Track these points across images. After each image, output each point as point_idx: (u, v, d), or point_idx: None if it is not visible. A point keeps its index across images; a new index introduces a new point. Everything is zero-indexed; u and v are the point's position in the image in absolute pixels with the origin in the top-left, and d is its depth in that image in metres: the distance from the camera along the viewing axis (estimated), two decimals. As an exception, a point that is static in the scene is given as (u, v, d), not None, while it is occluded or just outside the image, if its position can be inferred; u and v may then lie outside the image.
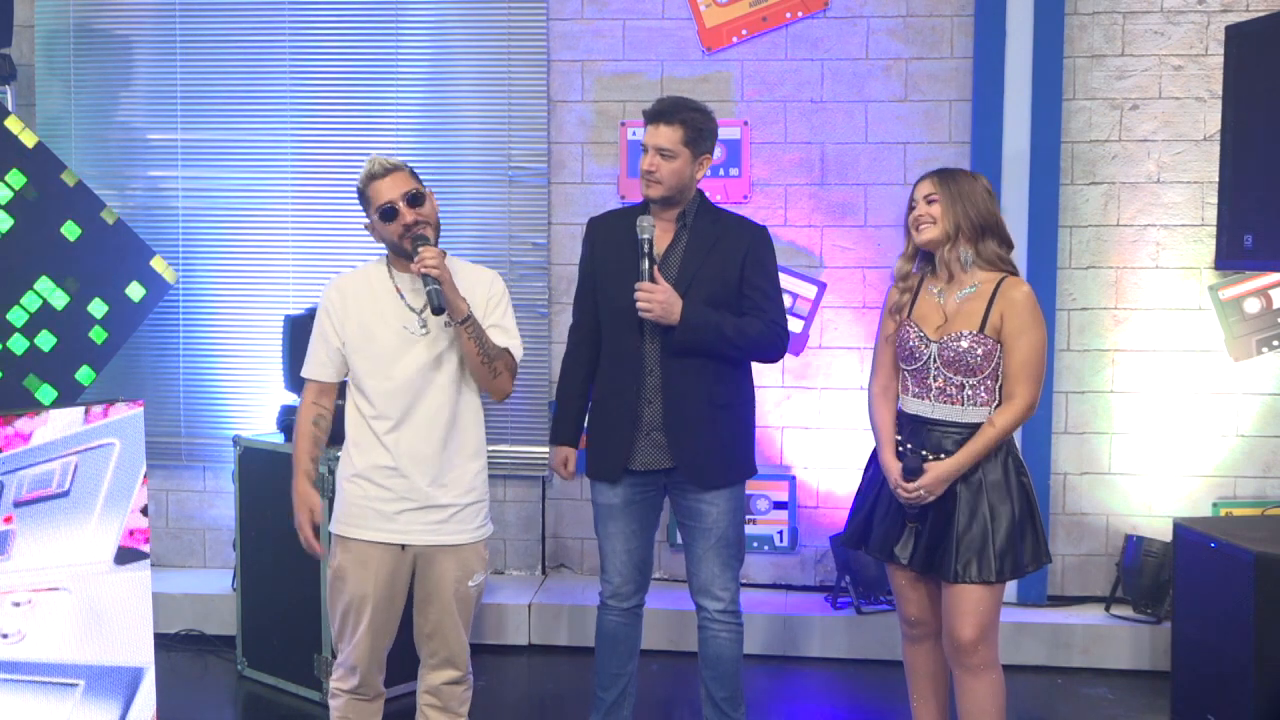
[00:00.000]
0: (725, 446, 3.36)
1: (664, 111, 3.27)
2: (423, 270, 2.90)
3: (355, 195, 3.07)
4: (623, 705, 3.51)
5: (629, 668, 3.50)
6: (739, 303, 3.31)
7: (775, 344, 3.36)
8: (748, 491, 4.87)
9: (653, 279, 3.21)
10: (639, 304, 3.19)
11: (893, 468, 3.12)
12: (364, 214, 3.06)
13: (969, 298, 3.09)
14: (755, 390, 3.47)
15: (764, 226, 3.44)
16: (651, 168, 3.25)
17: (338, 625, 3.05)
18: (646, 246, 3.21)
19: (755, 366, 3.44)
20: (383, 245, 3.07)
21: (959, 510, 3.03)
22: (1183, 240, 4.73)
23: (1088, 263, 4.76)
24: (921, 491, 3.04)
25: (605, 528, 3.42)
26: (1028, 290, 3.07)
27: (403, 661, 3.31)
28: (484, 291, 3.08)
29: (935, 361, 3.09)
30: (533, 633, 4.75)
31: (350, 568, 3.00)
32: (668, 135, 3.24)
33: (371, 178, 2.99)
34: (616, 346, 3.36)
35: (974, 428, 3.06)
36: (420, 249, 2.92)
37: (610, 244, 3.38)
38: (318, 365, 3.09)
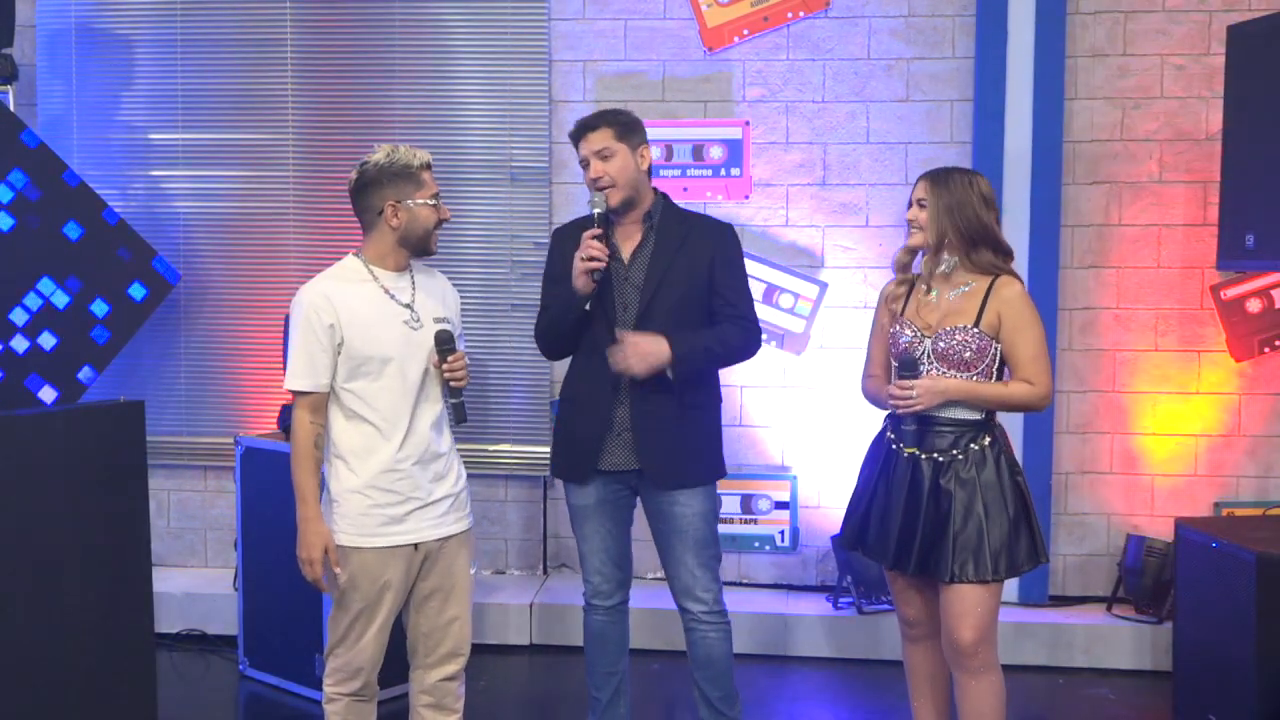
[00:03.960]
0: (693, 447, 3.34)
1: (587, 123, 3.31)
2: (453, 384, 2.97)
3: (380, 174, 2.97)
4: (618, 703, 3.51)
5: (620, 665, 3.51)
6: (710, 302, 3.32)
7: (752, 344, 3.39)
8: (749, 492, 4.90)
9: (614, 338, 3.22)
10: (617, 367, 3.17)
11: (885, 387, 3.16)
12: (388, 197, 2.95)
13: (962, 295, 3.10)
14: (723, 390, 3.48)
15: (729, 224, 3.46)
16: (598, 173, 3.26)
17: (341, 631, 3.00)
18: (597, 276, 3.21)
19: (738, 367, 3.45)
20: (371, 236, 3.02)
21: (954, 510, 3.03)
22: (1184, 240, 4.73)
23: (1090, 262, 4.76)
24: (914, 393, 3.02)
25: (581, 529, 3.43)
26: (1020, 288, 3.08)
27: (395, 663, 3.30)
28: (454, 302, 3.14)
29: (929, 356, 3.09)
30: (534, 633, 4.75)
31: (363, 576, 2.95)
32: (597, 138, 3.27)
33: (429, 166, 3.00)
34: (591, 346, 3.33)
35: (968, 424, 3.07)
36: (450, 356, 2.95)
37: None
38: (317, 373, 2.95)
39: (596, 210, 3.24)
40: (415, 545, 2.99)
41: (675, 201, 3.48)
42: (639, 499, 3.42)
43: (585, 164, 3.30)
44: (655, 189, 3.41)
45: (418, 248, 3.02)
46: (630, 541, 3.49)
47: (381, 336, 2.94)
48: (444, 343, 2.96)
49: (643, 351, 3.17)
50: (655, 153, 4.77)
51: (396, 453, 2.95)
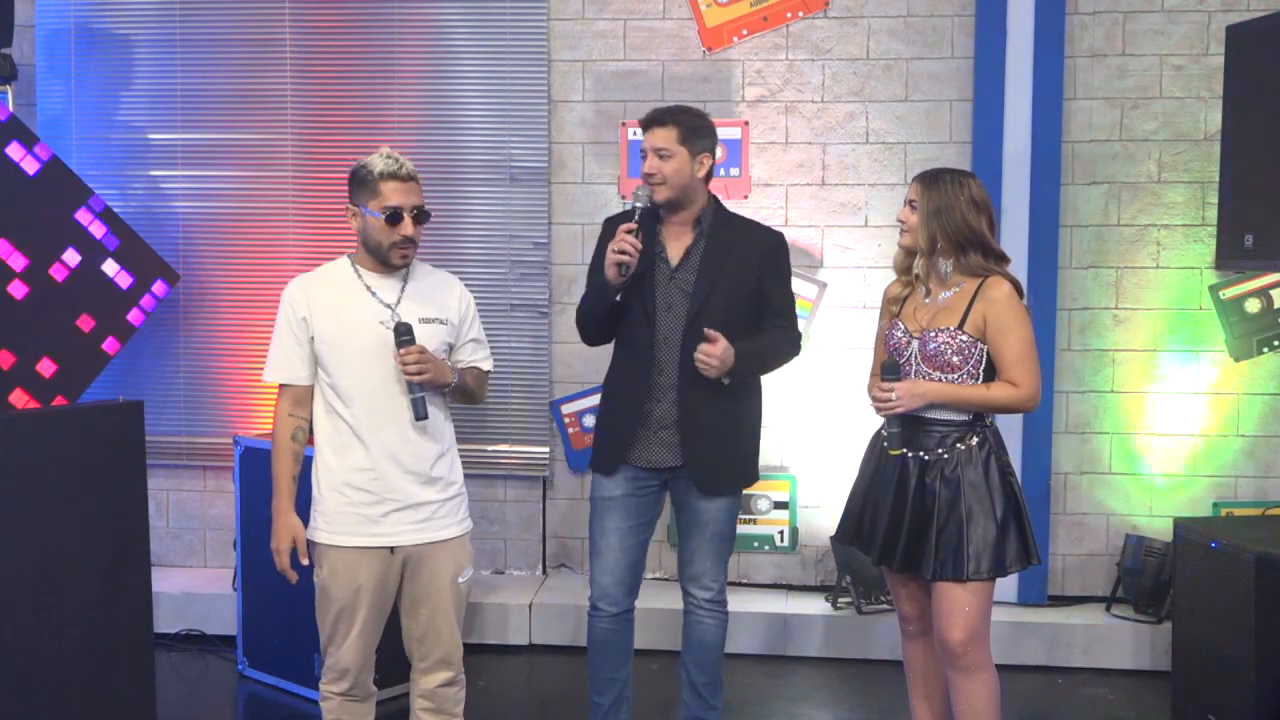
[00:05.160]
0: (733, 453, 3.38)
1: (656, 117, 3.32)
2: (408, 378, 2.91)
3: (351, 179, 2.99)
4: (619, 709, 3.51)
5: (623, 672, 3.50)
6: (758, 309, 3.35)
7: (795, 351, 3.45)
8: (749, 492, 4.88)
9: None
10: (701, 365, 3.17)
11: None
12: (351, 198, 2.98)
13: (952, 297, 3.12)
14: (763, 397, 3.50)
15: (780, 233, 3.46)
16: (652, 169, 3.28)
17: (328, 631, 3.01)
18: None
19: None
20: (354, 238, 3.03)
21: (937, 509, 3.04)
22: (1183, 240, 4.73)
23: (1088, 262, 4.76)
24: (894, 395, 3.04)
25: (601, 523, 3.41)
26: (1008, 289, 3.08)
27: (396, 663, 3.30)
28: (458, 304, 3.11)
29: (916, 357, 3.11)
30: (533, 633, 4.75)
31: (340, 575, 2.96)
32: (662, 135, 3.28)
33: (391, 175, 2.93)
34: (629, 342, 3.39)
35: (955, 424, 3.08)
36: (402, 348, 2.90)
37: None
38: (292, 366, 2.99)
39: (638, 205, 3.25)
40: (392, 549, 2.98)
41: (727, 206, 3.48)
42: (667, 496, 3.46)
43: (644, 155, 3.32)
44: (709, 193, 3.41)
45: (375, 255, 2.99)
46: (647, 549, 3.48)
47: (353, 334, 2.94)
48: (401, 334, 2.92)
49: (716, 356, 3.16)
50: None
51: (369, 452, 2.95)
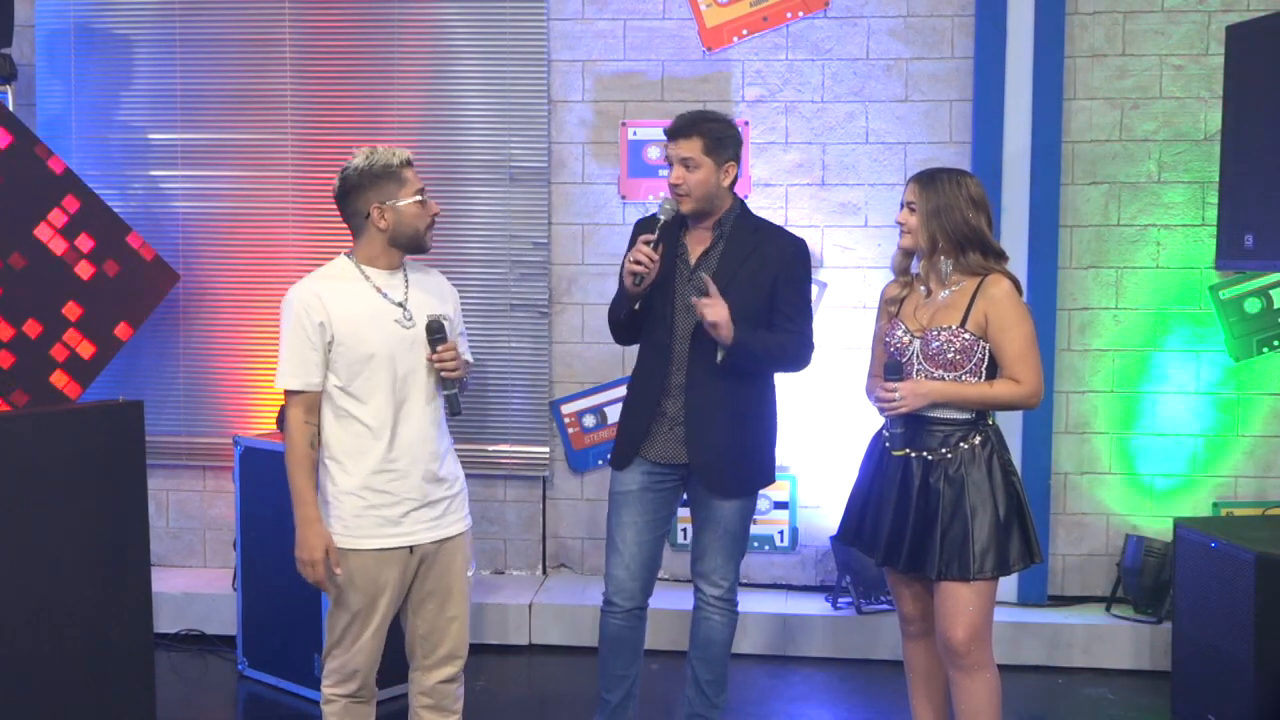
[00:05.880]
0: (743, 454, 3.38)
1: (681, 127, 3.31)
2: (444, 375, 2.95)
3: (361, 178, 2.96)
4: (627, 706, 3.53)
5: (633, 670, 3.52)
6: (770, 314, 3.34)
7: (804, 357, 3.41)
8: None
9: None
10: (705, 315, 3.18)
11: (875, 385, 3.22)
12: (372, 199, 2.94)
13: (952, 296, 3.12)
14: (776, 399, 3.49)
15: (802, 240, 3.45)
16: (678, 180, 3.29)
17: (338, 633, 2.99)
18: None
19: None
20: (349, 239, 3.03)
21: (942, 508, 3.05)
22: (1183, 240, 4.73)
23: (1088, 263, 4.76)
24: (897, 395, 3.05)
25: (618, 516, 3.43)
26: (1008, 286, 3.09)
27: (395, 663, 3.30)
28: (452, 299, 3.13)
29: (918, 356, 3.11)
30: (533, 633, 4.75)
31: (360, 579, 2.94)
32: (687, 146, 3.29)
33: (409, 162, 2.98)
34: (649, 339, 3.42)
35: (958, 423, 3.08)
36: (439, 347, 2.93)
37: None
38: (309, 370, 2.93)
39: (663, 217, 3.28)
40: (411, 548, 2.98)
41: (750, 209, 3.48)
42: (685, 494, 3.47)
43: (669, 163, 3.33)
44: (734, 195, 3.41)
45: (410, 247, 3.00)
46: (662, 545, 3.50)
47: (371, 335, 2.93)
48: (435, 332, 2.94)
49: (720, 312, 3.17)
50: (654, 153, 4.81)
51: (388, 452, 2.94)
